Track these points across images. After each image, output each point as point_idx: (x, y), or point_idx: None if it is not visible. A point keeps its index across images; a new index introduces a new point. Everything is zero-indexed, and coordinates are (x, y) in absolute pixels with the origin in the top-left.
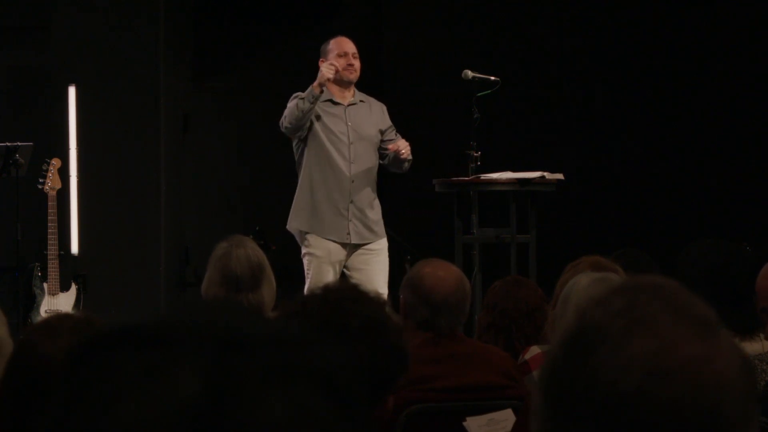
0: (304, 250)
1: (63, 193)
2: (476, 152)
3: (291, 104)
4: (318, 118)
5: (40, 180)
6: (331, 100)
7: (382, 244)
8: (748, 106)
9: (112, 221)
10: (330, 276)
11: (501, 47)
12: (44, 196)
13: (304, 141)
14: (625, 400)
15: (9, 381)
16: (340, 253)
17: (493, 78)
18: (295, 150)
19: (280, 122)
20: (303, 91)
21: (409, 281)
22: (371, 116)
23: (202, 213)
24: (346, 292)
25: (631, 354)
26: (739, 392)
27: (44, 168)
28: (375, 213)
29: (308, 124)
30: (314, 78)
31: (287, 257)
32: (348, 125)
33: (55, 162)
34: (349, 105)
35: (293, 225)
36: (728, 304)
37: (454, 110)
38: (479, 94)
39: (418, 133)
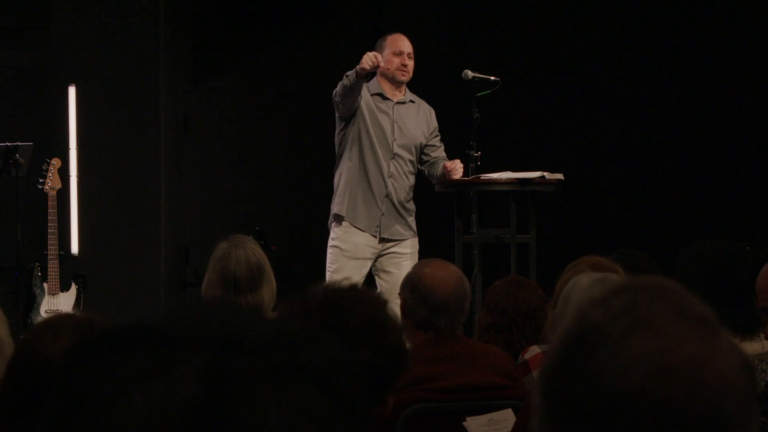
0: (331, 242)
1: (63, 193)
2: (476, 152)
3: (341, 83)
4: (366, 109)
5: (40, 180)
6: (381, 95)
7: (414, 247)
8: (748, 106)
9: (112, 221)
10: (352, 273)
11: (501, 47)
12: (44, 196)
13: (348, 127)
14: (626, 400)
15: (10, 381)
16: (367, 249)
17: (493, 78)
18: (337, 135)
19: (334, 94)
20: (302, 93)
21: (409, 281)
22: (418, 118)
23: (202, 213)
24: (345, 292)
25: (632, 354)
26: (739, 392)
27: (44, 168)
28: (408, 213)
29: (356, 107)
30: (315, 77)
31: (287, 257)
32: (394, 122)
33: (55, 162)
34: (397, 103)
35: (334, 209)
36: (728, 304)
37: (454, 110)
38: (479, 94)
39: None
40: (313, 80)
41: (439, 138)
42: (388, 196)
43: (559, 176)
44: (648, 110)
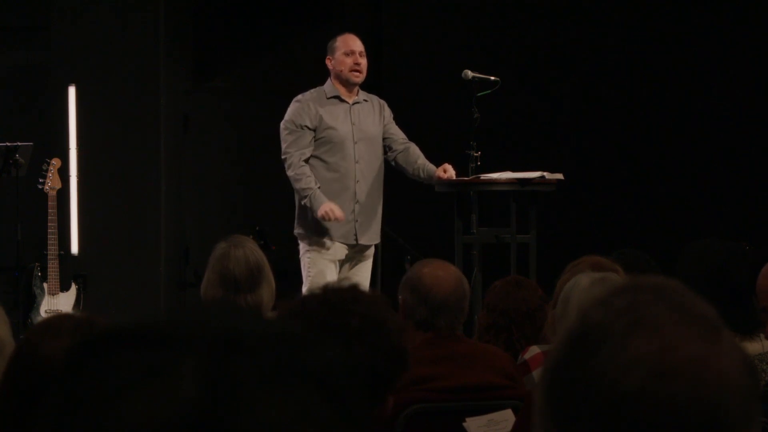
0: (305, 249)
1: (63, 193)
2: (476, 152)
3: (299, 178)
4: (322, 117)
5: (40, 180)
6: (338, 97)
7: (372, 250)
8: (748, 106)
9: (112, 221)
10: (333, 274)
11: (501, 47)
12: (44, 196)
13: None
14: (627, 400)
15: (10, 381)
16: (343, 252)
17: (493, 78)
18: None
19: (286, 166)
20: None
21: (409, 281)
22: (374, 115)
23: (202, 213)
24: (345, 292)
25: (633, 354)
26: (741, 392)
27: (44, 168)
28: (379, 214)
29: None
30: (314, 77)
31: (287, 257)
32: (353, 124)
33: (55, 162)
34: (353, 104)
35: (300, 230)
36: (728, 304)
37: (454, 110)
38: (479, 94)
39: (417, 133)
40: (313, 80)
41: (394, 124)
42: (358, 202)
43: (559, 176)
44: (648, 110)
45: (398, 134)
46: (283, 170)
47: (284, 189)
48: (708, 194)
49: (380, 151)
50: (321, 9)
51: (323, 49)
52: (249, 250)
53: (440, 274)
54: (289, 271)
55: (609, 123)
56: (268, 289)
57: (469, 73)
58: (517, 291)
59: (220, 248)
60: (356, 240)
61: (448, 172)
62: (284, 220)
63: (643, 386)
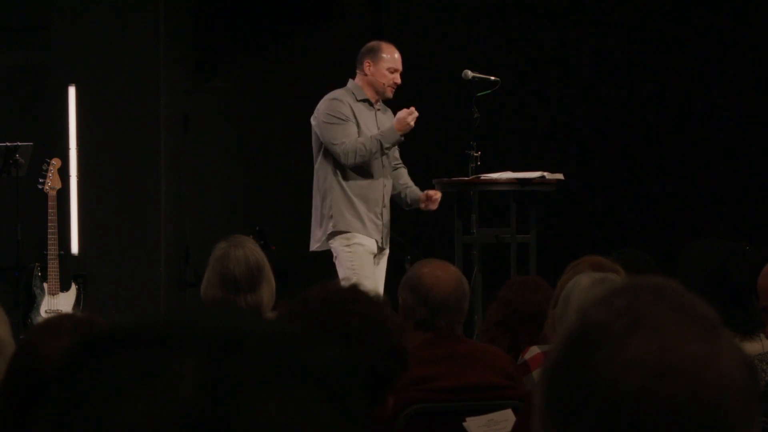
0: (343, 245)
1: (63, 193)
2: (476, 152)
3: (361, 143)
4: (357, 118)
5: (40, 180)
6: (367, 101)
7: (387, 250)
8: (748, 106)
9: (112, 221)
10: (372, 266)
11: (501, 47)
12: (44, 196)
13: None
14: (627, 400)
15: (10, 381)
16: (375, 248)
17: (493, 78)
18: (318, 153)
19: (344, 153)
20: (301, 93)
21: (408, 281)
22: (390, 124)
23: (202, 213)
24: (345, 292)
25: (633, 354)
26: (740, 392)
27: (44, 168)
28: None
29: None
30: (315, 77)
31: (287, 257)
32: (378, 129)
33: (55, 162)
34: (377, 110)
35: (335, 229)
36: (728, 304)
37: (454, 110)
38: (479, 94)
39: (418, 133)
40: (313, 80)
41: None
42: (385, 206)
43: (559, 176)
44: (648, 110)
45: (396, 151)
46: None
47: (284, 189)
48: (708, 194)
49: (393, 159)
50: (321, 9)
51: (323, 49)
52: (249, 250)
53: (440, 274)
54: (289, 271)
55: (609, 123)
56: (268, 289)
57: (469, 73)
58: (534, 293)
59: (220, 248)
60: (382, 243)
61: (432, 198)
62: (284, 220)
63: (643, 386)
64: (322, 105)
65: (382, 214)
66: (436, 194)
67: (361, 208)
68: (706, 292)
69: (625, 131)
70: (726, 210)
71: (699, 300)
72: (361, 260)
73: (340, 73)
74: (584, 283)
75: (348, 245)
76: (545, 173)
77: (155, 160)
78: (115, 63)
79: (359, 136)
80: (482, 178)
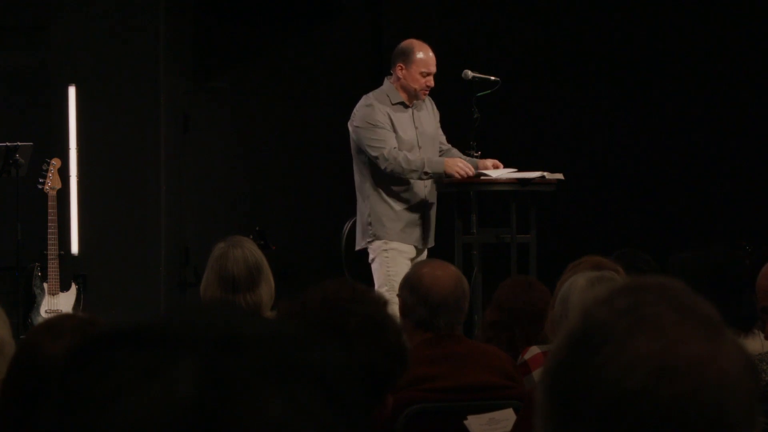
0: (380, 251)
1: (63, 193)
2: (476, 152)
3: (404, 156)
4: (393, 123)
5: (40, 180)
6: (402, 103)
7: (426, 250)
8: (748, 107)
9: (112, 221)
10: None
11: (501, 47)
12: (44, 196)
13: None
14: (629, 399)
15: (11, 381)
16: (413, 253)
17: (493, 78)
18: (358, 159)
19: (384, 159)
20: (301, 93)
21: (408, 281)
22: (429, 115)
23: (202, 213)
24: (345, 292)
25: (636, 353)
26: (742, 392)
27: (44, 168)
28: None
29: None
30: (315, 77)
31: (287, 257)
32: (416, 129)
33: (55, 162)
34: (414, 108)
35: (378, 234)
36: (728, 303)
37: (454, 110)
38: (479, 94)
39: None
40: (313, 80)
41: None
42: (429, 205)
43: (559, 176)
44: (648, 111)
45: (442, 135)
46: (282, 170)
47: (284, 189)
48: (708, 194)
49: (437, 147)
50: (321, 9)
51: (323, 49)
52: (248, 250)
53: (439, 274)
54: (288, 271)
55: (609, 123)
56: (267, 289)
57: (469, 73)
58: (527, 292)
59: (219, 248)
60: (424, 244)
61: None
62: (284, 220)
63: (645, 386)
64: (359, 111)
65: (423, 216)
66: (498, 164)
67: (401, 212)
68: (706, 291)
69: (625, 131)
70: (726, 210)
71: (701, 300)
72: (398, 266)
73: (340, 73)
74: (581, 283)
75: (385, 250)
76: (545, 173)
77: (155, 160)
78: (115, 63)
79: (396, 141)
80: (482, 178)
